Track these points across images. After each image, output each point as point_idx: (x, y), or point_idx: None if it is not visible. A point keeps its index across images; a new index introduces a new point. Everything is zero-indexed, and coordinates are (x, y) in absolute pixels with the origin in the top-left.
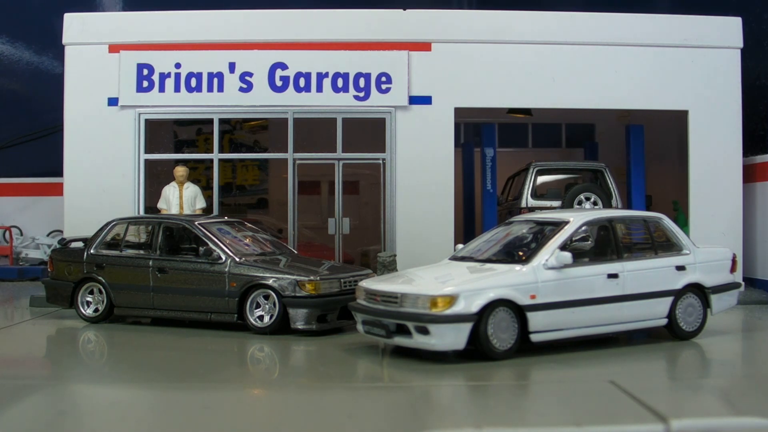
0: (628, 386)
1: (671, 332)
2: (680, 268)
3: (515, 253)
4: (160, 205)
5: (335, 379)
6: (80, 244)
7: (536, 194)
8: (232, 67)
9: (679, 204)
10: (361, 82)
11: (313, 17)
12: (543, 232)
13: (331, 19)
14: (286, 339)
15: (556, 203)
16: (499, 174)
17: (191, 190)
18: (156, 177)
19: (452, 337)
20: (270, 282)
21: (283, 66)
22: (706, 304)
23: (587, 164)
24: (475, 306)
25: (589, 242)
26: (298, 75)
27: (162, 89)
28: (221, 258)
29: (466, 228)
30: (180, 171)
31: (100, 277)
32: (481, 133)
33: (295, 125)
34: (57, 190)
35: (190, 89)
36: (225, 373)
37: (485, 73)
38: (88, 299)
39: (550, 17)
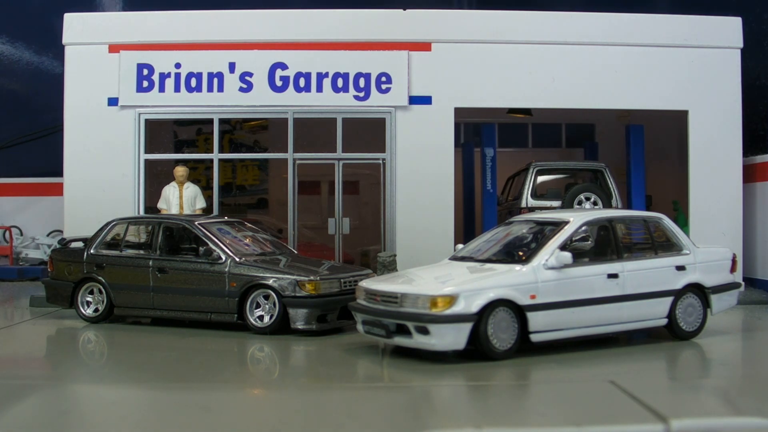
0: (628, 386)
1: (671, 332)
2: (680, 268)
3: (515, 253)
4: (160, 205)
5: (335, 379)
6: (80, 244)
7: (536, 194)
8: (232, 67)
9: (679, 204)
10: (361, 82)
11: (313, 17)
12: (543, 232)
13: (331, 19)
14: (286, 339)
15: (556, 203)
16: (499, 174)
17: (191, 190)
18: (156, 177)
19: (452, 337)
20: (270, 282)
21: (283, 66)
22: (706, 304)
23: (587, 164)
24: (475, 306)
25: (589, 242)
26: (298, 75)
27: (162, 89)
28: (221, 258)
29: (466, 228)
30: (180, 171)
31: (100, 277)
32: (481, 133)
33: (295, 125)
34: (57, 190)
35: (190, 89)
36: (225, 373)
37: (485, 73)
38: (88, 299)
39: (550, 17)
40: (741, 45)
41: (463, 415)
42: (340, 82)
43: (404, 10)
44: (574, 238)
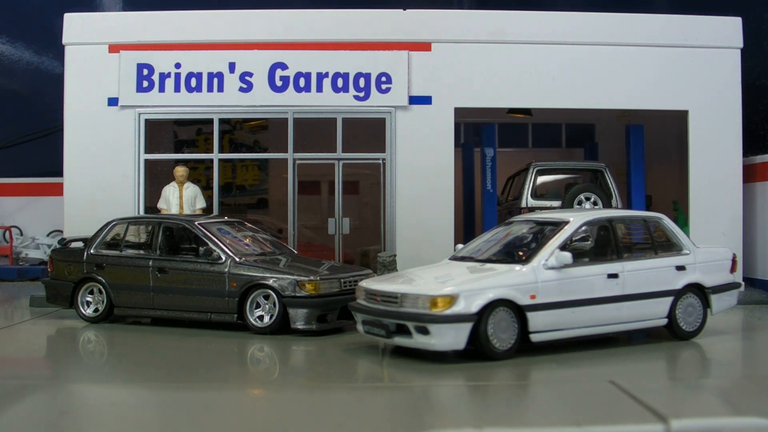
0: (628, 386)
1: (671, 332)
2: (680, 268)
3: (515, 253)
4: (160, 205)
5: (335, 379)
6: (80, 244)
7: (536, 194)
8: (232, 67)
9: (679, 204)
10: (361, 82)
11: (313, 17)
12: (543, 232)
13: (331, 19)
14: (286, 339)
15: (556, 203)
16: (499, 174)
17: (191, 190)
18: (156, 177)
19: (452, 337)
20: (270, 282)
21: (283, 66)
22: (706, 304)
23: (587, 164)
24: (475, 306)
25: (589, 242)
26: (298, 75)
27: (162, 89)
28: (221, 258)
29: (466, 228)
30: (180, 171)
31: (100, 277)
32: (481, 133)
33: (295, 125)
34: (57, 190)
35: (190, 89)
36: (225, 373)
37: (485, 73)
38: (88, 299)
39: (550, 17)
40: (741, 45)
41: (463, 415)
42: (340, 82)
43: (404, 10)
44: (574, 238)
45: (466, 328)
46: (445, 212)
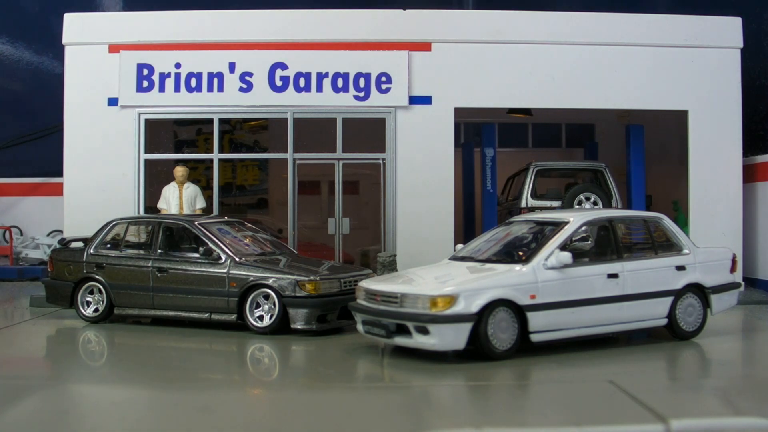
0: (628, 386)
1: (671, 332)
2: (680, 268)
3: (515, 253)
4: (160, 205)
5: (335, 379)
6: (80, 244)
7: (536, 194)
8: (232, 67)
9: (679, 204)
10: (361, 82)
11: (313, 17)
12: (543, 232)
13: (331, 19)
14: (286, 339)
15: (556, 203)
16: (499, 174)
17: (191, 190)
18: (156, 177)
19: (452, 337)
20: (270, 282)
21: (283, 66)
22: (706, 304)
23: (587, 164)
24: (475, 306)
25: (589, 242)
26: (298, 75)
27: (162, 89)
28: (221, 258)
29: (466, 228)
30: (180, 171)
31: (100, 277)
32: (481, 133)
33: (295, 125)
34: (57, 190)
35: (190, 89)
36: (225, 373)
37: (485, 73)
38: (88, 299)
39: (550, 17)
40: (741, 45)
41: (463, 415)
42: (340, 82)
43: (404, 10)
44: (574, 238)
45: (466, 328)
46: (445, 212)
